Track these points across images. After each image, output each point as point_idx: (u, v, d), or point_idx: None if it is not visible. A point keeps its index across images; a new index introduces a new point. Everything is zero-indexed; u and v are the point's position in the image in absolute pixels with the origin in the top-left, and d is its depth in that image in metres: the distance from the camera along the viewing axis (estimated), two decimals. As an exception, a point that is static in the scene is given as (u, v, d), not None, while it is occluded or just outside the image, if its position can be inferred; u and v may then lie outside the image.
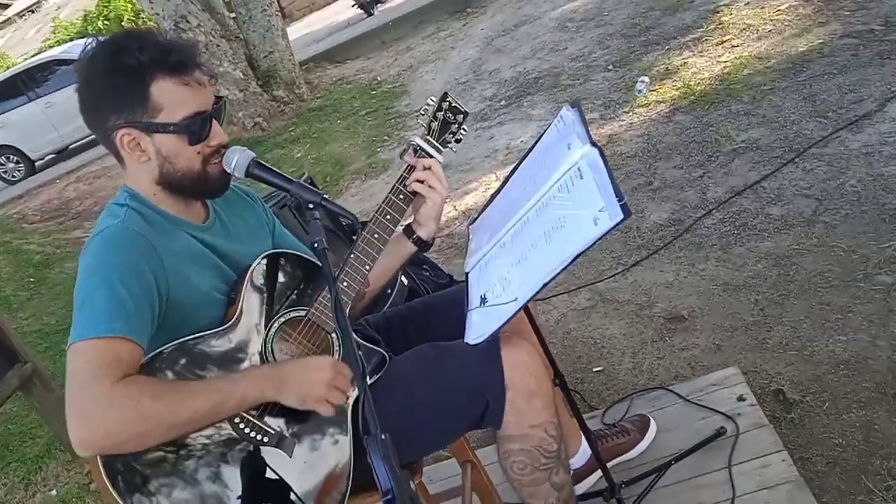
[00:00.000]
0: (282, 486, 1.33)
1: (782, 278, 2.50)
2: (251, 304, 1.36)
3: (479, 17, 8.31)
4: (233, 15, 7.65)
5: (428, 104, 1.63)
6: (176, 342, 1.27)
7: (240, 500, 1.29)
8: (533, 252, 1.30)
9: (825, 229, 2.63)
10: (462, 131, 1.65)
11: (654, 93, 4.42)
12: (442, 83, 6.88)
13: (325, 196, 1.30)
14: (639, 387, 2.31)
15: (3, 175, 12.05)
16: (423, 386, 1.40)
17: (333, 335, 1.41)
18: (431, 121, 1.60)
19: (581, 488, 1.84)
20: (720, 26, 4.88)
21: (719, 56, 4.48)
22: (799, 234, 2.67)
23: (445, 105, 1.62)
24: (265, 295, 1.39)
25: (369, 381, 1.42)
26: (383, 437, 0.98)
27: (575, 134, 1.40)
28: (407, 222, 1.59)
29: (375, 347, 1.46)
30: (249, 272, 1.38)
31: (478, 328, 1.30)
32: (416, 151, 1.58)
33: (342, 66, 8.69)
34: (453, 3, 8.71)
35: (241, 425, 1.30)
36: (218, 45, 7.01)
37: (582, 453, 1.84)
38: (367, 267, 1.43)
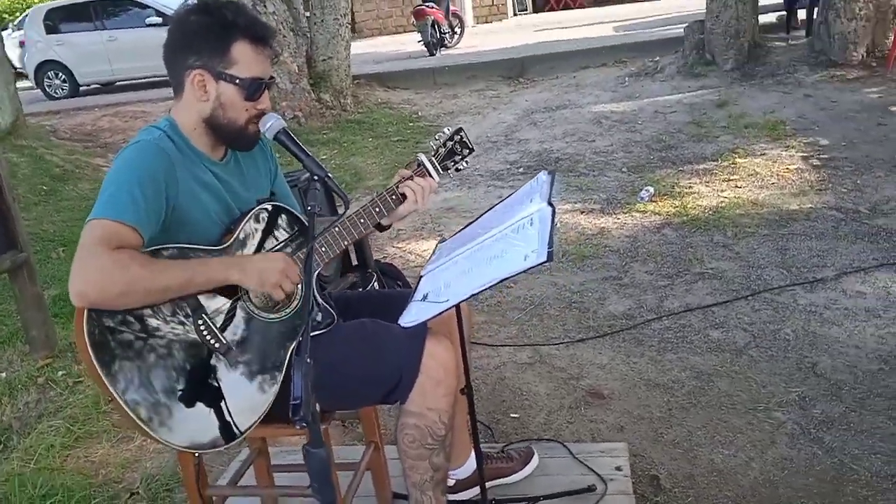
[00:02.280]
0: (217, 393, 1.60)
1: (697, 390, 2.78)
2: (246, 237, 1.66)
3: (528, 88, 8.77)
4: (307, 14, 8.09)
5: (443, 132, 1.93)
6: (176, 245, 1.56)
7: (181, 392, 1.56)
8: (475, 269, 1.60)
9: (749, 362, 2.92)
10: (464, 163, 1.92)
11: (653, 203, 4.77)
12: (474, 136, 7.26)
13: (329, 175, 1.60)
14: (544, 437, 2.58)
15: (46, 88, 12.45)
16: (355, 349, 1.68)
17: (299, 287, 1.70)
18: (440, 146, 1.88)
19: (459, 496, 2.10)
20: (732, 165, 5.27)
21: (721, 190, 4.84)
22: (726, 359, 2.96)
23: (457, 137, 1.90)
24: (259, 234, 1.68)
25: (316, 333, 1.70)
26: (308, 360, 1.26)
27: (539, 193, 1.71)
28: None
29: (329, 309, 1.75)
30: (253, 212, 1.68)
31: (412, 315, 1.59)
32: (419, 165, 1.87)
33: (390, 92, 9.13)
34: (509, 68, 9.19)
35: (204, 331, 1.58)
36: (284, 36, 7.44)
37: (467, 466, 2.10)
38: (346, 242, 1.73)
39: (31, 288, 3.43)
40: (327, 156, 7.04)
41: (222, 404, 1.61)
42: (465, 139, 1.91)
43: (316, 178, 1.58)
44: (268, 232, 1.71)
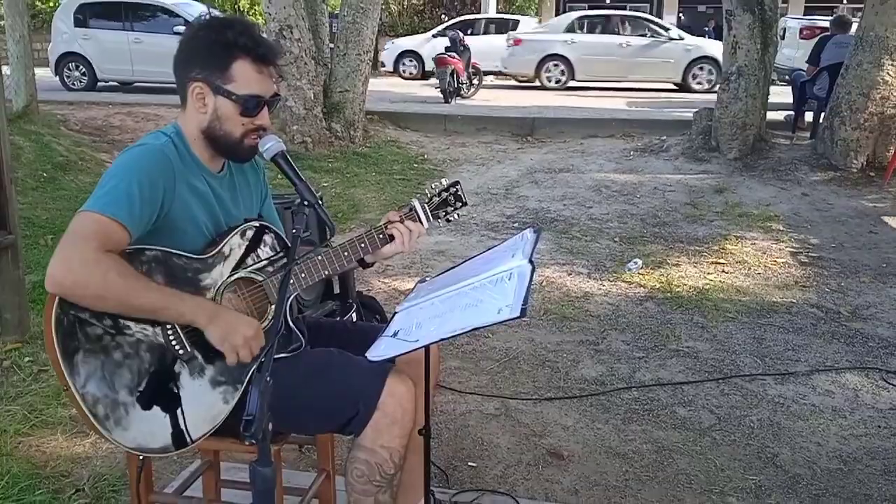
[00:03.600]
0: (176, 399, 1.61)
1: (656, 464, 2.79)
2: (229, 251, 1.69)
3: (535, 147, 8.92)
4: (331, 45, 8.26)
5: (440, 182, 1.97)
6: (160, 249, 1.59)
7: (140, 393, 1.57)
8: (449, 314, 1.63)
9: (711, 443, 2.93)
10: (455, 215, 1.94)
11: (640, 276, 4.83)
12: (476, 185, 7.37)
13: (320, 202, 1.64)
14: (497, 490, 2.58)
15: (65, 79, 12.59)
16: (317, 377, 1.69)
17: (273, 306, 1.72)
18: (435, 195, 1.91)
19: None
20: (722, 251, 5.34)
21: (708, 273, 4.90)
22: (689, 437, 2.97)
23: (452, 189, 1.92)
24: (241, 250, 1.72)
25: (281, 355, 1.72)
26: (268, 379, 1.28)
27: (522, 249, 1.75)
28: None
29: (298, 333, 1.77)
30: (241, 228, 1.71)
31: (379, 350, 1.61)
32: (410, 209, 1.91)
33: (400, 132, 9.26)
34: (519, 126, 9.36)
35: (171, 336, 1.59)
36: (305, 63, 7.59)
37: (418, 510, 2.09)
38: (326, 271, 1.75)
39: (12, 271, 3.44)
40: (329, 184, 7.11)
41: (179, 411, 1.61)
42: (460, 193, 1.94)
43: (306, 203, 1.61)
44: (251, 249, 1.74)
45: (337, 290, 3.24)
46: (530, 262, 1.67)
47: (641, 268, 4.96)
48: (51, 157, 6.65)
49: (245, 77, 1.65)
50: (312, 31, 7.81)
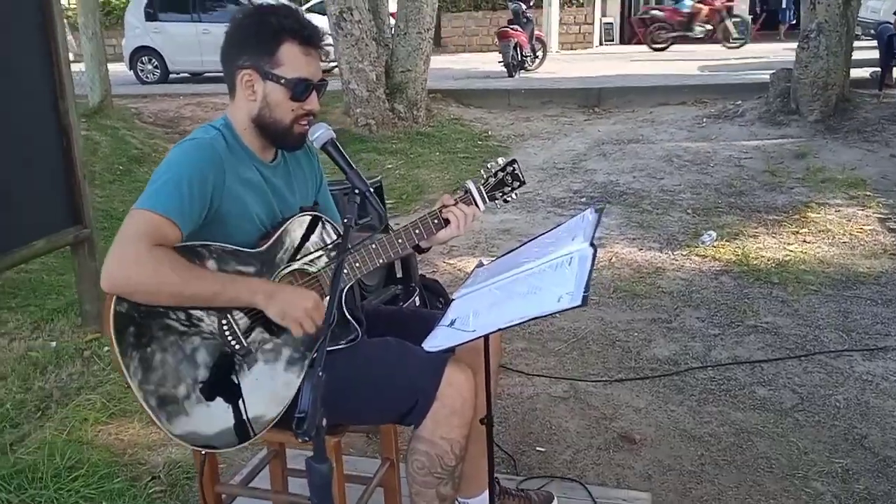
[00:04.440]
0: (235, 390, 1.61)
1: (734, 447, 2.67)
2: (283, 243, 1.67)
3: (603, 118, 8.68)
4: (392, 25, 8.21)
5: (496, 162, 1.91)
6: (212, 245, 1.58)
7: (199, 387, 1.58)
8: (507, 302, 1.57)
9: (793, 425, 2.79)
10: (513, 195, 1.89)
11: (715, 249, 4.64)
12: (542, 160, 7.23)
13: (370, 190, 1.60)
14: (566, 477, 2.52)
15: (139, 73, 13.00)
16: (374, 368, 1.67)
17: (327, 298, 1.70)
18: (490, 176, 1.86)
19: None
20: (803, 219, 5.08)
21: (788, 244, 4.67)
22: (769, 419, 2.84)
23: (509, 169, 1.87)
24: (297, 243, 1.70)
25: (337, 346, 1.70)
26: (321, 374, 1.25)
27: (584, 231, 1.67)
28: None
29: (355, 324, 1.74)
30: (294, 218, 1.69)
31: (436, 340, 1.57)
32: (465, 192, 1.85)
33: (464, 109, 9.17)
34: (585, 97, 9.12)
35: (227, 331, 1.59)
36: (367, 45, 7.57)
37: (481, 499, 2.05)
38: (381, 260, 1.72)
39: (90, 263, 3.55)
40: (393, 165, 7.10)
41: (240, 403, 1.61)
42: (517, 171, 1.89)
43: (357, 191, 1.58)
44: (305, 240, 1.72)
45: (400, 274, 3.21)
46: (591, 244, 1.59)
47: (716, 240, 4.76)
48: (126, 150, 6.87)
49: (293, 60, 1.62)
50: (373, 12, 7.78)
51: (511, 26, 11.77)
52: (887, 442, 2.65)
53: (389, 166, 7.08)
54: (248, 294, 1.55)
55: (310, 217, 1.73)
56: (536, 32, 12.51)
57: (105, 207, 5.39)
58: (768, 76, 7.93)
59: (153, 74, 12.95)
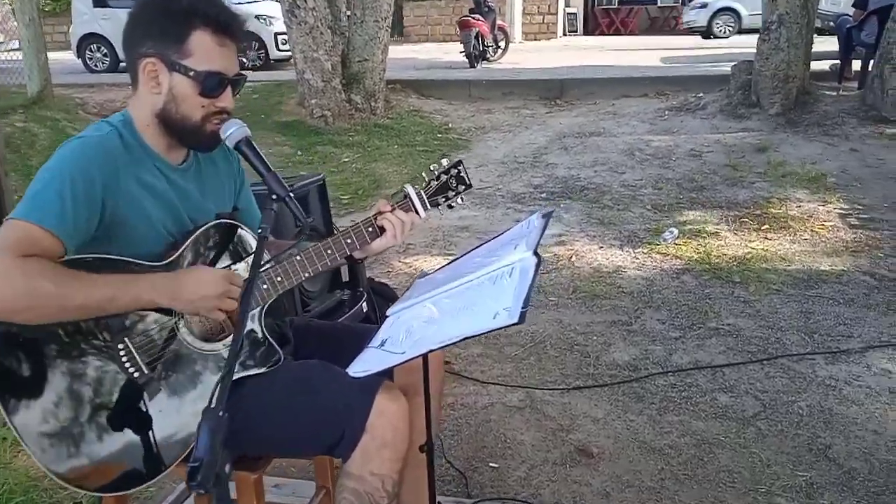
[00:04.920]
0: (139, 423, 1.42)
1: (695, 460, 2.55)
2: (193, 254, 1.48)
3: (564, 111, 8.56)
4: (348, 13, 7.98)
5: (440, 164, 1.75)
6: (108, 257, 1.39)
7: (97, 420, 1.38)
8: (440, 320, 1.41)
9: (756, 434, 2.68)
10: (459, 200, 1.73)
11: (676, 246, 4.53)
12: (502, 154, 7.08)
13: (290, 195, 1.42)
14: (520, 496, 2.37)
15: (87, 61, 12.53)
16: (297, 393, 1.49)
17: (250, 314, 1.52)
18: (433, 179, 1.70)
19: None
20: (765, 215, 5.00)
21: (750, 241, 4.59)
22: (731, 428, 2.72)
23: (454, 171, 1.71)
24: (210, 253, 1.51)
25: (258, 371, 1.52)
26: (221, 413, 1.07)
27: (527, 239, 1.51)
28: None
29: (276, 347, 1.56)
30: (204, 228, 1.50)
31: (363, 364, 1.40)
32: (404, 197, 1.69)
33: (423, 100, 8.97)
34: (547, 89, 8.99)
35: (124, 356, 1.40)
36: (321, 33, 7.33)
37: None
38: (307, 273, 1.54)
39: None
40: (349, 158, 6.89)
41: (147, 436, 1.43)
42: (462, 174, 1.72)
43: (274, 197, 1.40)
44: (220, 251, 1.53)
45: (346, 278, 3.03)
46: (535, 254, 1.44)
47: (677, 238, 4.66)
48: (66, 143, 6.53)
49: (205, 50, 1.43)
50: (328, 0, 7.53)
51: (473, 15, 11.60)
52: (851, 452, 2.56)
53: (346, 159, 6.87)
54: (147, 292, 1.36)
55: (225, 224, 1.54)
56: (499, 22, 12.35)
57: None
58: (730, 68, 7.89)
59: (102, 63, 12.50)
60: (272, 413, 1.47)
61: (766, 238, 4.63)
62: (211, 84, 1.44)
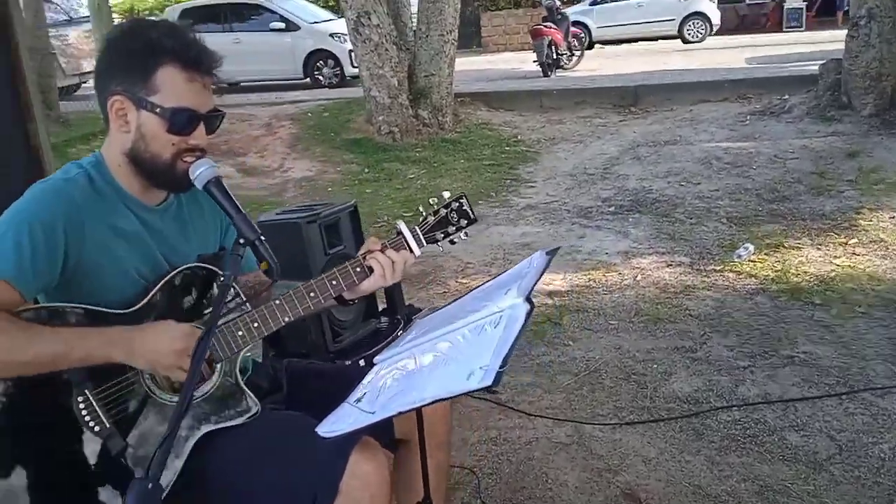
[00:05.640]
0: (95, 483, 1.34)
1: (756, 510, 2.30)
2: (161, 301, 1.40)
3: (639, 118, 8.24)
4: (413, 28, 7.94)
5: (441, 197, 1.62)
6: (75, 304, 1.33)
7: (45, 482, 1.31)
8: (415, 376, 1.28)
9: (828, 481, 2.40)
10: (462, 235, 1.61)
11: (751, 263, 4.22)
12: (571, 166, 6.87)
13: (261, 238, 1.32)
14: (556, 546, 2.20)
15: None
16: (267, 454, 1.38)
17: (218, 365, 1.42)
18: (430, 214, 1.58)
19: None
20: (853, 227, 4.61)
21: (835, 257, 4.22)
22: (800, 472, 2.45)
23: (455, 205, 1.60)
24: (182, 300, 1.42)
25: (233, 423, 1.42)
26: (150, 486, 0.97)
27: (520, 283, 1.36)
28: None
29: (252, 399, 1.46)
30: (178, 272, 1.42)
31: (334, 422, 1.28)
32: (397, 234, 1.57)
33: (493, 112, 8.83)
34: (621, 96, 8.69)
35: (84, 409, 1.32)
36: (387, 50, 7.32)
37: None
38: (287, 318, 1.43)
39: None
40: (414, 175, 6.83)
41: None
42: (465, 207, 1.60)
43: (242, 241, 1.30)
44: (199, 296, 1.44)
45: (384, 304, 2.93)
46: (528, 300, 1.28)
47: (753, 254, 4.34)
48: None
49: (172, 86, 1.36)
50: (393, 16, 7.52)
51: (545, 24, 11.38)
52: (942, 506, 2.25)
53: (411, 176, 6.81)
54: (102, 348, 1.29)
55: (200, 268, 1.45)
56: (572, 29, 12.08)
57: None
58: (817, 68, 7.40)
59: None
60: (242, 470, 1.37)
61: (853, 254, 4.24)
62: (180, 121, 1.36)
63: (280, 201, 6.05)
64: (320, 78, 12.42)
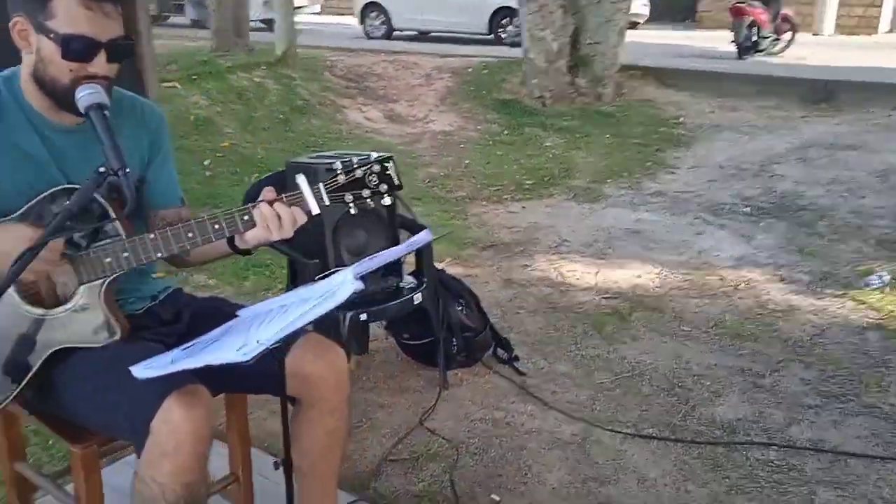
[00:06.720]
0: None
1: (738, 563, 2.02)
2: (33, 214, 1.41)
3: (826, 116, 7.35)
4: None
5: (367, 155, 1.51)
6: None
7: None
8: (226, 336, 1.23)
9: (843, 555, 2.04)
10: (383, 202, 1.45)
11: (880, 295, 3.65)
12: (725, 157, 6.30)
13: (126, 170, 1.28)
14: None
15: (367, 28, 13.52)
16: (115, 379, 1.35)
17: (81, 287, 1.42)
18: (342, 171, 1.43)
19: None
20: None
21: None
22: (814, 537, 2.11)
23: (377, 167, 1.43)
24: (48, 214, 1.41)
25: (83, 345, 1.45)
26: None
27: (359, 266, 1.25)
28: None
29: (113, 326, 1.47)
30: (57, 189, 1.42)
31: (151, 364, 1.26)
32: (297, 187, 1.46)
33: (662, 90, 8.27)
34: (812, 91, 7.77)
35: None
36: (551, 12, 7.07)
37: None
38: (159, 253, 1.40)
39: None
40: (551, 143, 6.60)
41: None
42: (389, 172, 1.44)
43: (102, 169, 1.28)
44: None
45: (410, 268, 2.87)
46: (362, 279, 1.17)
47: (887, 284, 3.74)
48: (292, 100, 7.10)
49: (68, 13, 1.35)
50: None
51: (749, 2, 10.37)
52: None
53: (548, 144, 6.59)
54: None
55: (70, 189, 1.42)
56: (783, 11, 10.91)
57: (248, 153, 5.58)
58: None
59: (378, 31, 13.38)
60: (89, 388, 1.40)
61: None
62: (75, 48, 1.36)
63: (407, 151, 6.12)
64: (503, 35, 12.31)
